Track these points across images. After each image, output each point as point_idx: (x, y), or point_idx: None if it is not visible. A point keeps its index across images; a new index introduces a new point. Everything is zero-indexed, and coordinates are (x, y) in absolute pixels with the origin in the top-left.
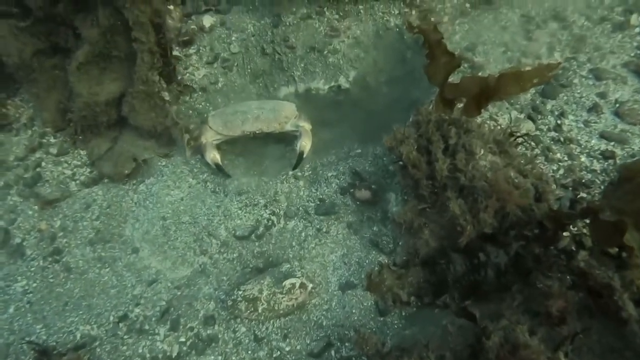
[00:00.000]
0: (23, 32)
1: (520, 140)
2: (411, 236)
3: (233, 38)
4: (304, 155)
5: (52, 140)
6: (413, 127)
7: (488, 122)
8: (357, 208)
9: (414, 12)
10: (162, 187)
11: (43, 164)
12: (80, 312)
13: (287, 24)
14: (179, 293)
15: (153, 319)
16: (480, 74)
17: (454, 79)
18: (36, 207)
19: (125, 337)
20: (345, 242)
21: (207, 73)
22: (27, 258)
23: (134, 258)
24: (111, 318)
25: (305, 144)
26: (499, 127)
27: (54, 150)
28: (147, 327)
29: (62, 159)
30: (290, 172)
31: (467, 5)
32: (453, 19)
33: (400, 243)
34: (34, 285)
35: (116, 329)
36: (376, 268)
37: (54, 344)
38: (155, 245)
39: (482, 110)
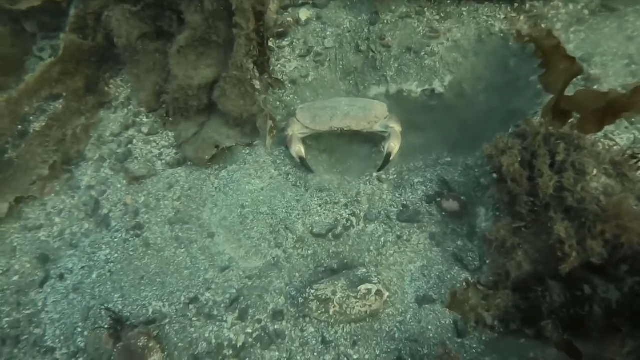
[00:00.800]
0: (134, 15)
1: None
2: (501, 256)
3: (328, 33)
4: (391, 158)
5: (145, 120)
6: (517, 138)
7: (602, 140)
8: (442, 219)
9: (522, 17)
10: (243, 175)
11: (134, 141)
12: (154, 288)
13: (385, 21)
14: (250, 283)
15: (222, 305)
16: (595, 87)
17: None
18: (124, 181)
19: (194, 319)
20: (426, 253)
21: (299, 66)
22: (112, 229)
23: (209, 242)
24: (182, 298)
25: (393, 145)
26: (616, 147)
27: (145, 130)
28: (215, 312)
29: (152, 139)
30: (375, 174)
31: (585, 11)
32: (567, 27)
33: (487, 262)
34: (116, 255)
35: (186, 310)
36: (461, 285)
37: (128, 314)
38: (231, 232)
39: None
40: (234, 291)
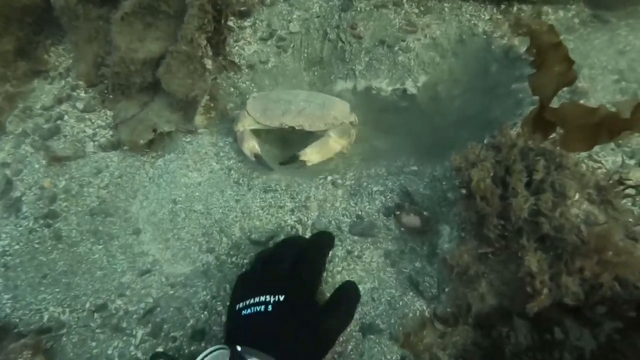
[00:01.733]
0: None
1: (630, 191)
2: (463, 285)
3: (294, 16)
4: (307, 164)
5: (82, 94)
6: (491, 149)
7: (586, 161)
8: (400, 235)
9: (508, 19)
10: (180, 166)
11: (66, 117)
12: (57, 290)
13: (359, 9)
14: (171, 292)
15: (134, 316)
16: (582, 101)
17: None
18: (44, 161)
19: (98, 330)
20: (378, 274)
21: (259, 50)
22: (20, 215)
23: (132, 240)
24: (87, 305)
25: (308, 152)
26: (601, 171)
27: (80, 105)
28: (124, 324)
29: (87, 116)
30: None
31: (576, 20)
32: None
33: (446, 290)
34: (17, 247)
35: (90, 319)
36: (415, 318)
37: (17, 320)
38: (159, 230)
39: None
40: (151, 300)
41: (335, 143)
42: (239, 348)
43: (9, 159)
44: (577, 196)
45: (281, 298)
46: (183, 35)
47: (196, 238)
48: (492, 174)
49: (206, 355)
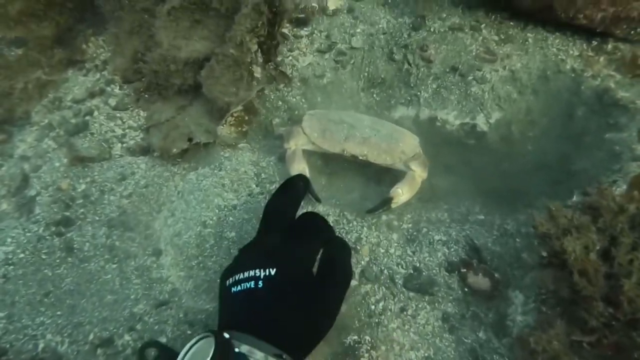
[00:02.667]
0: None
1: None
2: None
3: (358, 30)
4: (392, 206)
5: (117, 90)
6: (586, 212)
7: None
8: (463, 296)
9: (601, 58)
10: (214, 184)
11: (96, 113)
12: (59, 313)
13: (431, 30)
14: (189, 332)
15: None
16: None
17: None
18: (65, 160)
19: None
20: (434, 340)
21: (315, 63)
22: (32, 218)
23: (151, 262)
24: (91, 336)
25: (402, 192)
26: None
27: (112, 102)
28: None
29: (118, 115)
30: (368, 215)
31: None
32: None
33: None
34: (21, 255)
35: (91, 355)
36: None
37: (7, 346)
38: (182, 255)
39: None
40: (164, 340)
41: (419, 178)
42: (226, 335)
43: (29, 152)
44: None
45: (272, 272)
46: (232, 36)
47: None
48: (598, 247)
49: (192, 345)
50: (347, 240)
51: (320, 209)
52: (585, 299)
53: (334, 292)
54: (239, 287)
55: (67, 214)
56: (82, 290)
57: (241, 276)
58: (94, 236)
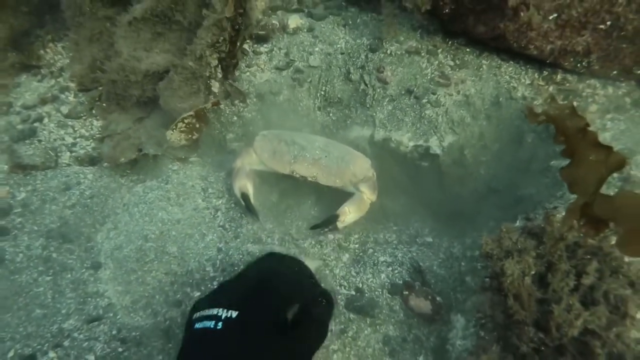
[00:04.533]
0: None
1: None
2: None
3: (317, 49)
4: (338, 225)
5: (71, 98)
6: (531, 237)
7: None
8: (405, 319)
9: (550, 88)
10: (160, 197)
11: (45, 120)
12: None
13: (389, 52)
14: (120, 349)
15: None
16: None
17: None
18: (6, 166)
19: None
20: None
21: (272, 80)
22: None
23: (88, 275)
24: (11, 353)
25: (348, 211)
26: None
27: (65, 110)
28: None
29: (70, 123)
30: (313, 242)
31: (627, 99)
32: (604, 112)
33: None
34: None
35: None
36: None
37: None
38: (121, 269)
39: None
40: (92, 358)
41: (367, 200)
42: None
43: None
44: (639, 315)
45: (234, 315)
46: (192, 50)
47: (163, 286)
48: (533, 272)
49: None
50: None
51: (267, 225)
52: (517, 323)
53: (302, 349)
54: (199, 324)
55: (2, 222)
56: (9, 304)
57: (205, 313)
58: (29, 247)
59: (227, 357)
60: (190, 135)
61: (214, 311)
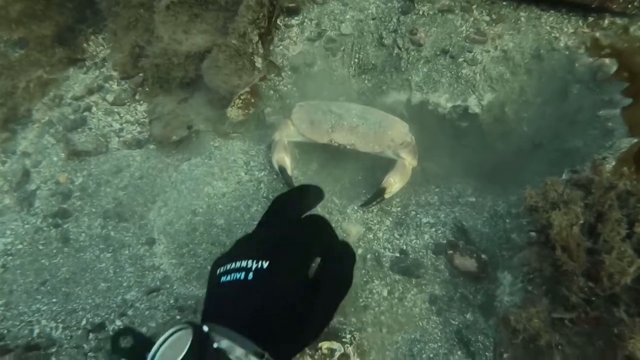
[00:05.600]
0: None
1: None
2: (529, 356)
3: (347, 16)
4: (385, 196)
5: (114, 86)
6: (578, 188)
7: None
8: (450, 278)
9: (597, 34)
10: (205, 173)
11: (94, 109)
12: (54, 300)
13: (420, 13)
14: (178, 317)
15: None
16: None
17: None
18: (63, 154)
19: (90, 354)
20: (421, 323)
21: (305, 51)
22: (32, 211)
23: (144, 250)
24: (84, 322)
25: (393, 181)
26: None
27: (110, 98)
28: None
29: (116, 110)
30: (356, 207)
31: None
32: None
33: (505, 356)
34: (20, 246)
35: (83, 340)
36: None
37: (5, 331)
38: (174, 244)
39: None
40: (154, 325)
41: (409, 165)
42: (205, 328)
43: (30, 148)
44: None
45: (264, 265)
46: (235, 28)
47: (214, 257)
48: (581, 221)
49: (167, 338)
50: (334, 223)
51: None
52: (566, 274)
53: (329, 298)
54: (228, 277)
55: (65, 206)
56: (77, 279)
57: (232, 266)
58: (89, 227)
59: (261, 307)
60: (246, 110)
61: (244, 263)
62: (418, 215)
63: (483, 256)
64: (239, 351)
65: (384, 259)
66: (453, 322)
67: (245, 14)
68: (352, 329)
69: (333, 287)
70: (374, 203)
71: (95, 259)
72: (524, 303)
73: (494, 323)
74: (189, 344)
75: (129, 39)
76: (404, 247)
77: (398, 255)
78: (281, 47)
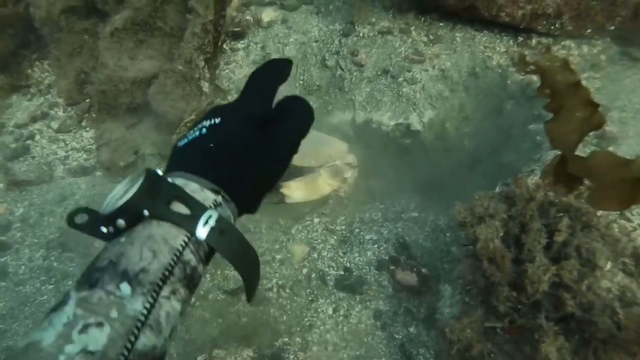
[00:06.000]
0: None
1: None
2: None
3: (291, 39)
4: (283, 199)
5: (60, 113)
6: (502, 201)
7: (618, 221)
8: (394, 293)
9: (526, 53)
10: None
11: (37, 137)
12: None
13: (361, 35)
14: None
15: None
16: (611, 148)
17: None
18: (2, 185)
19: None
20: (366, 338)
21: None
22: None
23: None
24: None
25: (293, 186)
26: (638, 233)
27: (55, 125)
28: None
29: (61, 137)
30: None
31: (602, 57)
32: (580, 71)
33: None
34: None
35: None
36: None
37: None
38: None
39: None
40: None
41: (324, 184)
42: (159, 171)
43: None
44: (609, 265)
45: (217, 120)
46: (181, 54)
47: None
48: (502, 234)
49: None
50: (278, 242)
51: (255, 216)
52: (494, 285)
53: (288, 132)
54: (184, 141)
55: (4, 238)
56: (15, 314)
57: (189, 133)
58: (30, 259)
59: (214, 152)
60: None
61: (199, 125)
62: (361, 233)
63: (423, 270)
64: (193, 186)
65: (329, 277)
66: (397, 336)
67: (190, 40)
68: (297, 349)
69: (293, 122)
70: (273, 202)
71: (36, 291)
72: (460, 314)
73: (435, 335)
74: (141, 180)
75: (73, 65)
76: (348, 264)
77: (342, 273)
78: (227, 70)
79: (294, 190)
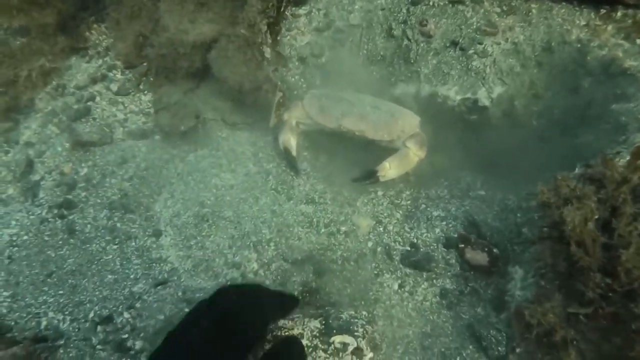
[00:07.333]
0: None
1: None
2: (543, 350)
3: (356, 6)
4: (380, 179)
5: (118, 76)
6: (590, 183)
7: None
8: (461, 272)
9: (609, 27)
10: (212, 165)
11: (97, 99)
12: (60, 292)
13: (430, 3)
14: (186, 310)
15: (141, 334)
16: None
17: None
18: (67, 144)
19: (99, 347)
20: (431, 316)
21: (313, 42)
22: (36, 202)
23: (151, 242)
24: (91, 314)
25: (389, 166)
26: None
27: (114, 87)
28: (129, 344)
29: (120, 100)
30: (366, 200)
31: None
32: None
33: (518, 351)
34: (25, 237)
35: (91, 332)
36: None
37: (12, 323)
38: (181, 236)
39: None
40: (163, 318)
41: (414, 156)
42: None
43: (34, 138)
44: None
45: None
46: (245, 17)
47: (222, 249)
48: (596, 217)
49: None
50: (343, 215)
51: (318, 186)
52: (582, 270)
53: None
54: None
55: (70, 197)
56: (84, 271)
57: None
58: (95, 218)
59: None
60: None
61: None
62: (428, 209)
63: (495, 250)
64: None
65: (395, 252)
66: (464, 316)
67: (254, 4)
68: (364, 322)
69: None
70: (366, 182)
71: (102, 250)
72: (538, 298)
73: (505, 317)
74: None
75: (132, 28)
76: (415, 240)
77: (409, 248)
78: (288, 37)
79: (389, 170)
